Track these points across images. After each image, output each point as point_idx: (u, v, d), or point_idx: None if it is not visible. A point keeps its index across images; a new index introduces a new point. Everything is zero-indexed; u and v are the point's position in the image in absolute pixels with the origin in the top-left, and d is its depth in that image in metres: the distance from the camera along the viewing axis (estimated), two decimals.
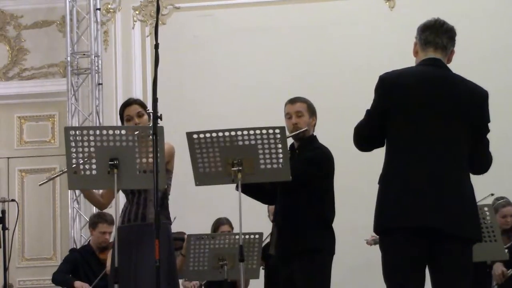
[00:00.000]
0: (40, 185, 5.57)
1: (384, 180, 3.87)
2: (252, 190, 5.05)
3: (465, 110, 3.85)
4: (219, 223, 7.01)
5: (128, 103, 5.06)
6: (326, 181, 5.16)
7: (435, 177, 3.75)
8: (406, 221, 3.73)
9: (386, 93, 3.87)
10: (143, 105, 5.06)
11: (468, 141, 3.86)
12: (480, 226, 3.99)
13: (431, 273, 3.84)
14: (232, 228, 7.00)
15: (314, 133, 5.28)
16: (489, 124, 3.96)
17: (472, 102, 3.87)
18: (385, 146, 3.94)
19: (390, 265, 3.81)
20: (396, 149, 3.85)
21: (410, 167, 3.77)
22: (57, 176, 5.22)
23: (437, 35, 3.97)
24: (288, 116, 5.22)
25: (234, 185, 4.70)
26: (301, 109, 5.19)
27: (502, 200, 6.94)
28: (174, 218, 5.94)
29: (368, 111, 3.96)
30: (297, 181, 4.87)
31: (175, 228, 6.22)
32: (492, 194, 6.75)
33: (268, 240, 6.64)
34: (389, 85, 3.88)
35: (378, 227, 3.86)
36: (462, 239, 3.79)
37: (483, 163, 4.00)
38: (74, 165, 4.41)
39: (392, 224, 3.77)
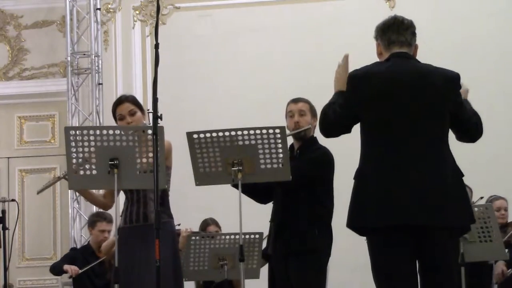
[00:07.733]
0: (38, 193, 5.59)
1: (361, 175, 3.77)
2: (246, 188, 5.02)
3: (440, 97, 3.75)
4: (205, 224, 7.07)
5: (119, 101, 4.91)
6: (326, 182, 5.19)
7: (414, 169, 3.64)
8: (389, 220, 3.63)
9: (356, 89, 3.79)
10: (135, 102, 4.90)
11: (446, 123, 3.76)
12: (469, 211, 3.77)
13: (419, 270, 3.75)
14: (219, 227, 7.04)
15: (315, 135, 5.28)
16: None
17: (447, 87, 3.78)
18: (360, 139, 3.84)
19: (380, 266, 3.75)
20: (370, 143, 3.77)
21: (386, 161, 3.67)
22: (54, 182, 5.20)
23: (399, 33, 3.93)
24: (290, 114, 5.27)
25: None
26: (304, 108, 5.27)
27: (494, 196, 7.04)
28: (179, 225, 5.93)
29: (340, 104, 3.85)
30: (299, 182, 4.89)
31: None
32: (482, 197, 6.74)
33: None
34: (359, 81, 3.80)
35: (356, 224, 3.77)
36: (450, 229, 3.69)
37: (470, 127, 3.86)
38: (74, 165, 4.40)
39: (376, 223, 3.67)
